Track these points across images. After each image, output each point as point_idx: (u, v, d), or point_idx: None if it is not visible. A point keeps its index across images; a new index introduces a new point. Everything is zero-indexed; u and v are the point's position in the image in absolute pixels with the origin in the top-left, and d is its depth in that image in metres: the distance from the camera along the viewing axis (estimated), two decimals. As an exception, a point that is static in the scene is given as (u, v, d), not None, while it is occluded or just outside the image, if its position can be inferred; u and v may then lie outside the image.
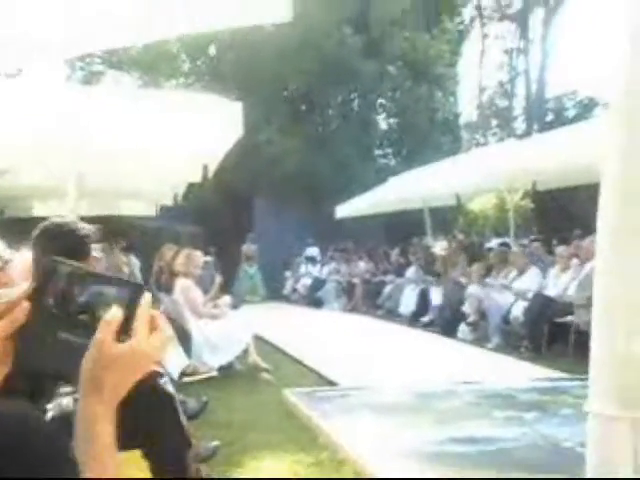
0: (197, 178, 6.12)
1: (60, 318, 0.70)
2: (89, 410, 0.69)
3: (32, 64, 4.23)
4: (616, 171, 2.05)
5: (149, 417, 2.09)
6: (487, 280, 7.86)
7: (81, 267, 0.72)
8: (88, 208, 6.19)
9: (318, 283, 12.97)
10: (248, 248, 13.42)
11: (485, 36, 20.79)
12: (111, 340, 0.69)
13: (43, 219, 2.49)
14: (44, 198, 6.88)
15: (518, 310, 6.80)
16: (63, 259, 0.72)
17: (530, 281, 7.15)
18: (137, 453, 1.97)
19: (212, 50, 15.49)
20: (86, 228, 2.44)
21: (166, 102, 5.33)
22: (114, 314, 0.70)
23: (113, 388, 0.70)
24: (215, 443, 3.23)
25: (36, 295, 0.70)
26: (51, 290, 0.70)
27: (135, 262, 9.40)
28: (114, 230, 8.18)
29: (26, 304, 0.70)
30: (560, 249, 7.55)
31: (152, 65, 14.63)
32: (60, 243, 2.25)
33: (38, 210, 7.26)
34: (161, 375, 2.26)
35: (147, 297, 0.73)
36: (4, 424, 0.66)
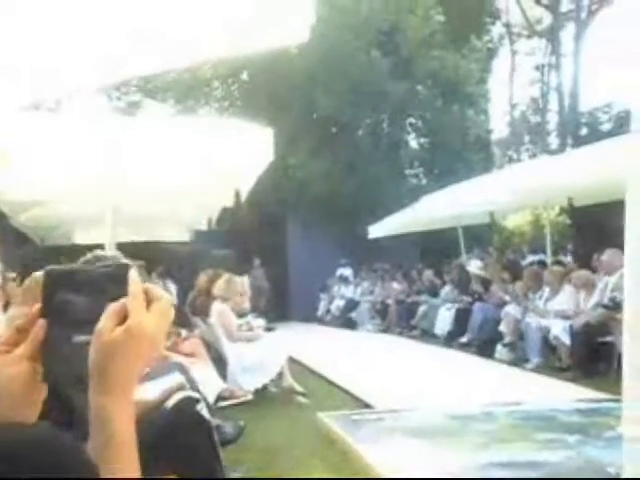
0: (230, 202, 6.22)
1: (71, 323, 0.69)
2: (98, 403, 0.66)
3: (71, 97, 4.39)
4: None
5: (185, 444, 2.11)
6: (523, 299, 7.71)
7: (71, 268, 0.71)
8: (125, 235, 6.34)
9: (351, 304, 12.93)
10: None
11: (515, 53, 20.66)
12: (110, 327, 0.66)
13: (82, 246, 2.56)
14: (83, 226, 7.07)
15: (557, 329, 6.64)
16: (59, 266, 0.71)
17: (566, 300, 6.98)
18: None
19: (244, 76, 15.80)
20: (124, 260, 2.50)
21: (200, 128, 5.46)
22: (115, 303, 0.67)
23: (118, 376, 0.66)
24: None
25: (45, 308, 0.70)
26: (56, 299, 0.70)
27: (172, 287, 9.54)
28: (150, 256, 8.34)
29: (41, 320, 0.69)
30: (554, 268, 7.50)
31: (187, 92, 14.99)
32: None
33: (77, 238, 7.45)
34: (197, 401, 2.28)
35: (133, 273, 0.70)
36: (38, 453, 0.65)
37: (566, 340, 6.47)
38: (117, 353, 0.66)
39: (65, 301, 0.69)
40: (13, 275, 4.85)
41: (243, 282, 6.52)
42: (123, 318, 0.67)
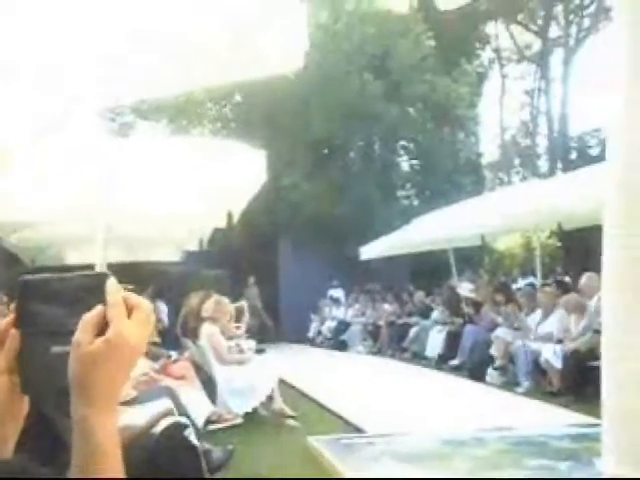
0: (222, 223, 6.22)
1: (47, 333, 0.67)
2: (81, 415, 0.64)
3: (63, 118, 4.40)
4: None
5: (173, 470, 2.08)
6: (513, 322, 7.72)
7: (46, 278, 0.69)
8: (116, 255, 6.31)
9: (343, 325, 12.89)
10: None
11: (505, 77, 20.98)
12: (88, 338, 0.64)
13: (72, 267, 2.55)
14: (74, 247, 7.03)
15: (548, 353, 6.64)
16: (31, 276, 0.69)
17: (557, 324, 7.00)
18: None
19: (237, 97, 15.90)
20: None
21: (192, 149, 5.48)
22: (91, 313, 0.66)
23: (100, 387, 0.64)
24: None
25: (20, 319, 0.68)
26: (31, 309, 0.68)
27: (163, 308, 9.48)
28: (141, 276, 8.29)
29: (14, 331, 0.68)
30: (547, 289, 7.56)
31: (180, 112, 15.05)
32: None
33: (68, 258, 7.40)
34: (186, 426, 2.26)
35: (112, 281, 0.68)
36: None
37: (557, 364, 6.47)
38: (98, 364, 0.64)
39: (40, 311, 0.68)
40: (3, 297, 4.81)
41: (243, 306, 6.51)
42: (100, 327, 0.65)
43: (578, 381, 6.16)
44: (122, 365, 0.66)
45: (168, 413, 2.22)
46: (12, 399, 0.69)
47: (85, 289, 0.68)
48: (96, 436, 0.64)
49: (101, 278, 0.69)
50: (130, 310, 0.67)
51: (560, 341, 6.74)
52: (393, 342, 11.21)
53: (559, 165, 18.02)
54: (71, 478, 0.65)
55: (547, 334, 7.00)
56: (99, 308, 0.66)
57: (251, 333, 7.24)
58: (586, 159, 16.20)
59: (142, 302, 0.69)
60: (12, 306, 0.71)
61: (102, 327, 0.66)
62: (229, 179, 5.06)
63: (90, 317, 0.66)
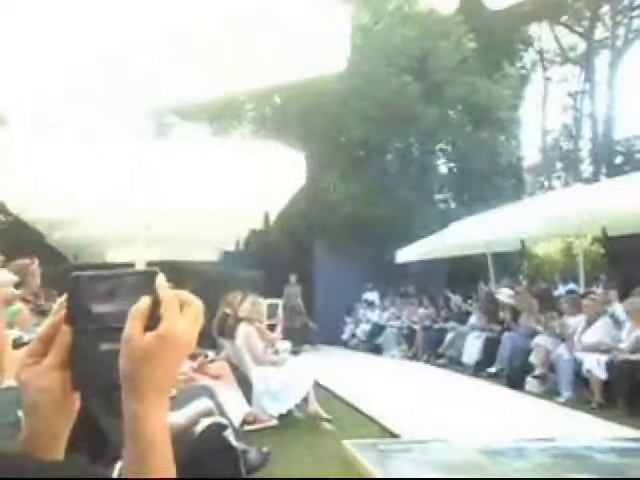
0: (259, 225, 6.24)
1: (99, 330, 0.68)
2: (132, 410, 0.64)
3: (108, 120, 4.49)
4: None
5: (212, 470, 2.07)
6: (555, 330, 7.52)
7: (98, 275, 0.69)
8: (155, 254, 6.40)
9: (377, 329, 12.80)
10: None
11: (548, 79, 20.55)
12: (139, 332, 0.64)
13: (113, 265, 2.57)
14: (115, 245, 7.16)
15: (591, 363, 6.43)
16: (82, 273, 0.69)
17: (601, 332, 6.78)
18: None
19: (277, 98, 15.98)
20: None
21: (231, 151, 5.52)
22: (137, 306, 0.66)
23: (151, 382, 0.64)
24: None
25: (72, 315, 0.68)
26: (83, 305, 0.68)
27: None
28: (179, 275, 8.38)
29: (66, 327, 0.68)
30: (592, 297, 7.30)
31: (220, 114, 15.20)
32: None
33: (109, 256, 7.54)
34: (225, 427, 2.25)
35: (161, 278, 0.68)
36: None
37: (600, 375, 6.27)
38: (150, 359, 0.64)
39: (92, 308, 0.68)
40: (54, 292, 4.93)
41: (277, 304, 6.51)
42: (148, 321, 0.65)
43: (626, 393, 5.95)
44: (173, 361, 0.66)
45: (208, 413, 2.22)
46: (64, 396, 0.69)
47: (136, 286, 0.68)
48: (147, 431, 0.64)
49: (151, 275, 0.69)
50: (181, 306, 0.67)
51: (605, 351, 6.52)
52: (429, 347, 11.07)
53: (603, 170, 17.55)
54: (124, 478, 0.65)
55: (591, 343, 6.79)
56: (145, 302, 0.66)
57: (292, 333, 7.22)
58: (632, 164, 15.73)
59: (193, 299, 0.69)
60: (59, 300, 0.70)
61: (149, 321, 0.66)
62: (267, 180, 5.08)
63: (138, 311, 0.66)
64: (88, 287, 0.69)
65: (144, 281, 0.68)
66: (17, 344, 1.62)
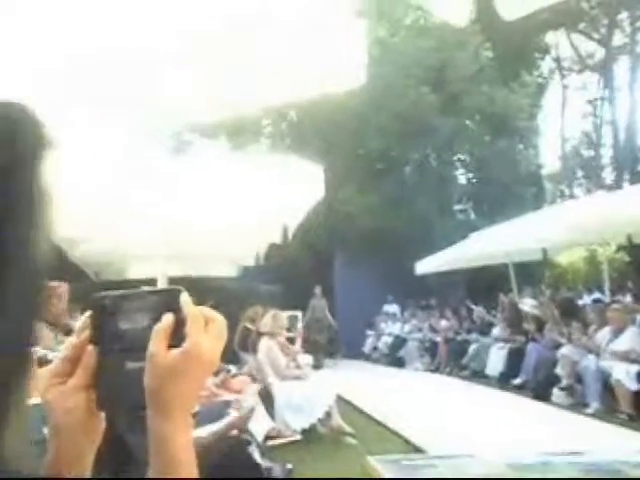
0: (278, 239, 6.24)
1: (123, 350, 0.68)
2: (157, 428, 0.64)
3: (128, 137, 4.53)
4: None
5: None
6: (582, 340, 7.37)
7: (123, 294, 0.70)
8: (175, 269, 6.42)
9: (399, 341, 12.69)
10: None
11: (565, 87, 20.40)
12: (163, 350, 0.64)
13: (134, 281, 2.58)
14: (135, 262, 7.21)
15: (620, 373, 6.29)
16: (105, 292, 0.70)
17: (630, 341, 6.64)
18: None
19: (293, 113, 16.07)
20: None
21: (250, 166, 5.54)
22: (161, 324, 0.66)
23: (176, 400, 0.64)
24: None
25: (96, 335, 0.68)
26: (108, 325, 0.68)
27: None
28: (199, 291, 8.40)
29: (91, 347, 0.68)
30: (618, 306, 7.14)
31: (236, 130, 15.32)
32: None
33: (130, 273, 7.59)
34: (249, 443, 2.23)
35: (185, 296, 0.68)
36: None
37: (630, 385, 6.13)
38: (175, 376, 0.64)
39: (116, 327, 0.68)
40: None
41: (297, 316, 6.48)
42: (172, 339, 0.65)
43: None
44: (198, 378, 0.66)
45: (251, 410, 2.18)
46: (89, 417, 0.69)
47: (161, 305, 0.69)
48: (172, 448, 0.64)
49: (175, 293, 0.69)
50: (205, 323, 0.67)
51: (634, 360, 6.38)
52: (451, 359, 10.94)
53: (626, 176, 17.31)
54: None
55: (619, 353, 6.64)
56: (168, 319, 0.66)
57: (318, 347, 7.14)
58: (655, 170, 15.48)
59: (217, 316, 0.69)
60: (82, 318, 0.70)
61: (175, 338, 0.66)
62: (285, 194, 5.08)
63: (161, 329, 0.66)
64: (113, 307, 0.69)
65: (168, 299, 0.69)
66: (42, 362, 1.63)
